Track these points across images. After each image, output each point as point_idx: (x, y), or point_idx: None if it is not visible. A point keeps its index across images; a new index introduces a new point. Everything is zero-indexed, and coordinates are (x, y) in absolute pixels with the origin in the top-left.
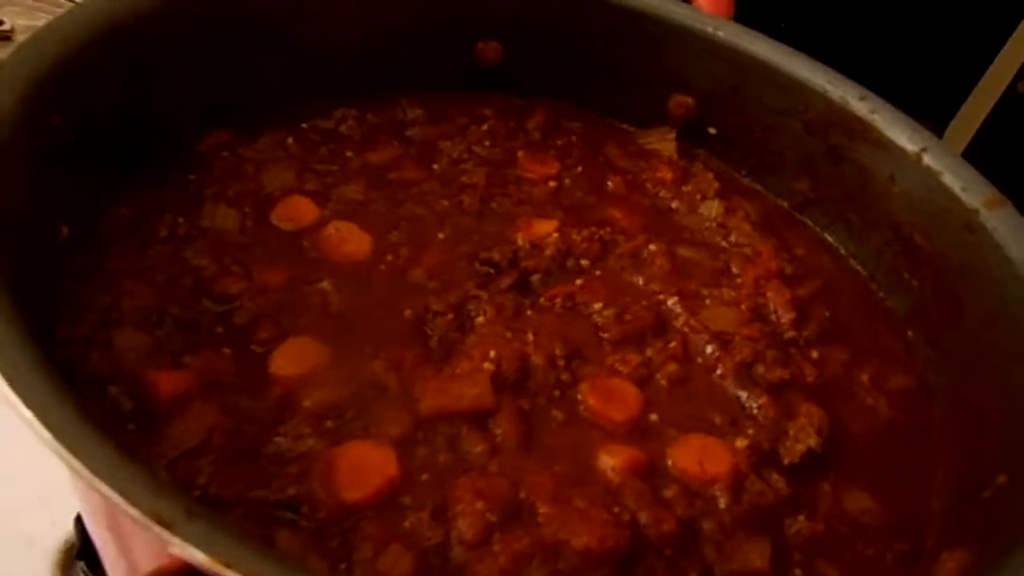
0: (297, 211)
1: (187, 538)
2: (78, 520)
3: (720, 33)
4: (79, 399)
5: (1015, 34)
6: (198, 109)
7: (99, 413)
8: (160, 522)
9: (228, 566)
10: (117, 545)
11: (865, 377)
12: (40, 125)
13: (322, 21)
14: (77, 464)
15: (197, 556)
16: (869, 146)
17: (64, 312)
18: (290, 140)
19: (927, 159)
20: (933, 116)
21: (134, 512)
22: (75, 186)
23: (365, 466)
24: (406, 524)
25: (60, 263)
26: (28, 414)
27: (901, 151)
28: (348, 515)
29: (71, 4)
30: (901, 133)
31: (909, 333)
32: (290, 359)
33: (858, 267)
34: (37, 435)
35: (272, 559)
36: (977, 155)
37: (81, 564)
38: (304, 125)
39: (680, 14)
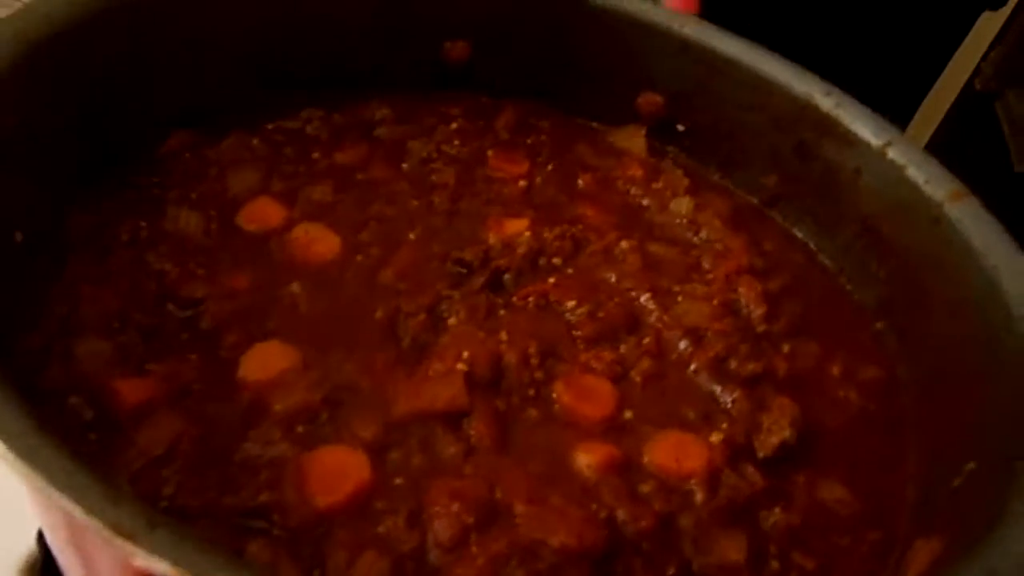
0: (263, 213)
1: (151, 549)
2: (40, 535)
3: (687, 30)
4: (37, 410)
5: (971, 33)
6: (159, 112)
7: (58, 424)
8: (121, 533)
9: None
10: (80, 560)
11: (836, 370)
12: None
13: (286, 20)
14: (34, 476)
15: (162, 568)
16: (835, 141)
17: (23, 323)
18: (255, 141)
19: (892, 153)
20: (893, 116)
21: (95, 524)
22: (31, 191)
23: (338, 471)
24: (380, 529)
25: (17, 272)
26: None
27: (866, 145)
28: (321, 522)
29: (19, 4)
30: (865, 127)
31: (878, 325)
32: (259, 363)
33: (826, 261)
34: None
35: (241, 568)
36: (937, 153)
37: None
38: (269, 126)
39: (648, 12)
